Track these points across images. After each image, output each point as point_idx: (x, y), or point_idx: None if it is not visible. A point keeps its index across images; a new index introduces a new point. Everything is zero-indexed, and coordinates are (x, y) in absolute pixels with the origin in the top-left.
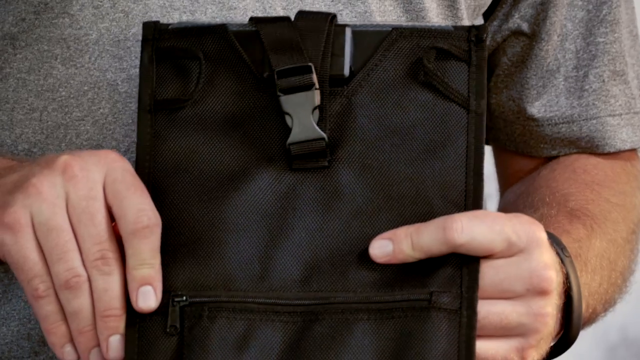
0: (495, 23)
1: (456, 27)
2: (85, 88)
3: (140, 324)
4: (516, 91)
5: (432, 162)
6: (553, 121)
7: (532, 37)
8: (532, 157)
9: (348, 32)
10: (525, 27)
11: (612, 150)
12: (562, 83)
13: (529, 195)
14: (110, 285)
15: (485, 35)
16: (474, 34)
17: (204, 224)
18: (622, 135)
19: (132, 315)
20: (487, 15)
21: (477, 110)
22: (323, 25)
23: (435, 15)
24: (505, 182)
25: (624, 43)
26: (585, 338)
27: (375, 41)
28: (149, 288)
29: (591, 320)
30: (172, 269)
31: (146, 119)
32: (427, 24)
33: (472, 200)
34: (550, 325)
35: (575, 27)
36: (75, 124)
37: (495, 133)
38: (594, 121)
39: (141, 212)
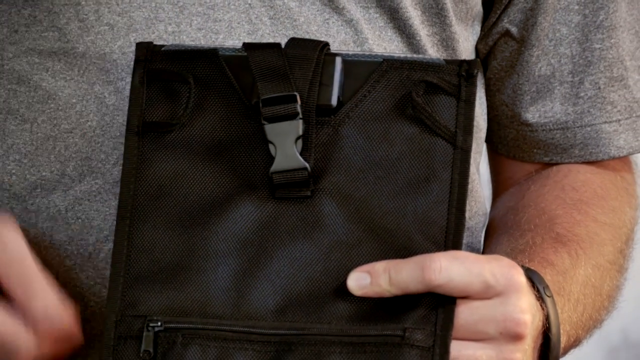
0: (487, 27)
1: (448, 61)
2: (74, 100)
3: (115, 347)
4: (508, 96)
5: (415, 196)
6: (547, 127)
7: (521, 42)
8: (523, 162)
9: (338, 62)
10: (514, 31)
11: (605, 157)
12: (557, 88)
13: (517, 213)
14: None
15: (476, 70)
16: (464, 68)
17: (184, 249)
18: (618, 142)
19: (108, 339)
20: (483, 21)
21: (463, 146)
22: (313, 53)
23: (420, 22)
24: (497, 186)
25: (622, 48)
26: (586, 340)
27: (366, 72)
28: None
29: (574, 346)
30: (150, 293)
31: (133, 141)
32: (419, 56)
33: (453, 238)
34: None
35: (571, 32)
36: (64, 136)
37: (489, 135)
38: (589, 128)
39: None
